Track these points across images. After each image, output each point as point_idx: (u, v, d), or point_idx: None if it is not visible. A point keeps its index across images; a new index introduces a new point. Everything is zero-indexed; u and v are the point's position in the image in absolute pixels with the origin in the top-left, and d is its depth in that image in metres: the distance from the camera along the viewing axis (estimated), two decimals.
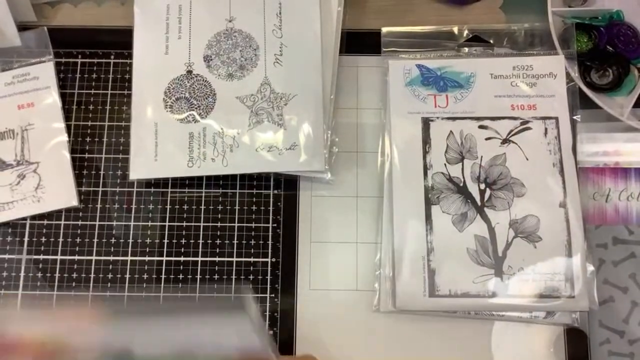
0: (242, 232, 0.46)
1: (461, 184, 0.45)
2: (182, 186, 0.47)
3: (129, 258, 0.46)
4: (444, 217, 0.44)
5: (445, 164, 0.45)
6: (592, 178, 0.47)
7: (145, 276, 0.46)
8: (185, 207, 0.47)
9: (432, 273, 0.43)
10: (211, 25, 0.48)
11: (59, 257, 0.46)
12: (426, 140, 0.45)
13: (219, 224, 0.46)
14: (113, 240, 0.46)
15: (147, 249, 0.46)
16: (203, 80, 0.47)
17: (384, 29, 0.49)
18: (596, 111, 0.47)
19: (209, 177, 0.47)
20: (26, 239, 0.46)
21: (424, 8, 0.51)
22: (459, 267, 0.43)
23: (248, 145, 0.46)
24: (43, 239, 0.46)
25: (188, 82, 0.47)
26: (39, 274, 0.46)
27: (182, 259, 0.46)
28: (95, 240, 0.46)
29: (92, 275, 0.46)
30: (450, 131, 0.45)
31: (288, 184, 0.47)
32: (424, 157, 0.45)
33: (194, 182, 0.47)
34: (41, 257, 0.46)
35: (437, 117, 0.46)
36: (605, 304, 0.45)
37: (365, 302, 0.45)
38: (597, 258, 0.46)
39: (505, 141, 0.45)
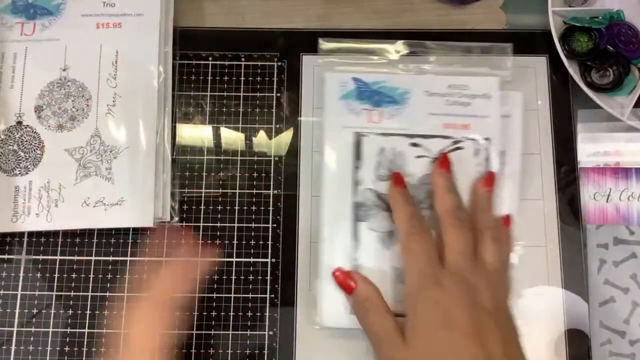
0: (242, 232, 0.46)
1: (389, 201, 0.44)
2: (181, 186, 0.47)
3: (129, 258, 0.46)
4: (371, 235, 0.43)
5: (375, 181, 0.44)
6: (592, 178, 0.47)
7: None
8: (185, 207, 0.47)
9: None
10: (45, 74, 0.47)
11: (58, 257, 0.46)
12: (357, 156, 0.45)
13: (218, 224, 0.46)
14: (113, 241, 0.46)
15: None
16: (32, 131, 0.46)
17: (323, 44, 0.48)
18: (596, 111, 0.47)
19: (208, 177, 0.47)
20: (25, 239, 0.46)
21: (424, 8, 0.51)
22: (383, 285, 0.42)
23: (74, 200, 0.45)
24: (42, 239, 0.46)
25: (17, 133, 0.46)
26: (39, 274, 0.46)
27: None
28: (95, 240, 0.46)
29: (91, 276, 0.46)
30: (382, 147, 0.45)
31: (288, 184, 0.47)
32: (354, 173, 0.44)
33: (194, 182, 0.47)
34: (41, 257, 0.46)
35: (370, 133, 0.45)
36: (606, 304, 0.45)
37: None
38: (598, 258, 0.46)
39: (435, 159, 0.45)
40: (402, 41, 0.48)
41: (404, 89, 0.46)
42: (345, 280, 0.41)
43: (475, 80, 0.46)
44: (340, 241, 0.43)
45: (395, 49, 0.48)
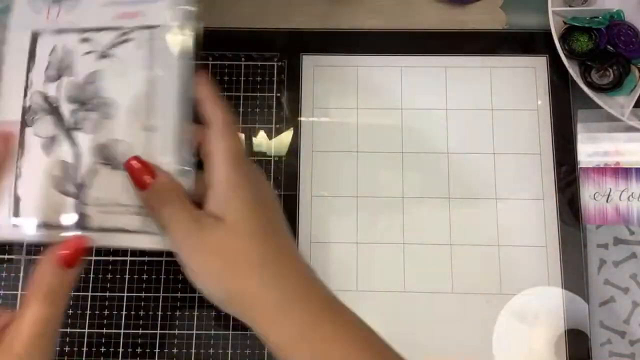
0: None
1: (55, 104, 0.41)
2: None
3: (129, 258, 0.46)
4: (35, 140, 0.40)
5: (44, 82, 0.41)
6: (592, 178, 0.47)
7: (144, 276, 0.46)
8: None
9: (17, 200, 0.39)
10: None
11: None
12: (32, 57, 0.41)
13: None
14: None
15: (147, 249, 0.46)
16: None
17: None
18: (596, 111, 0.47)
19: None
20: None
21: (424, 8, 0.51)
22: (44, 195, 0.39)
23: None
24: None
25: None
26: None
27: None
28: None
29: (91, 276, 0.46)
30: (55, 45, 0.41)
31: (288, 184, 0.47)
32: (27, 75, 0.41)
33: None
34: (41, 257, 0.46)
35: (45, 31, 0.41)
36: (606, 304, 0.45)
37: (366, 302, 0.45)
38: (598, 258, 0.46)
39: (104, 55, 0.41)
40: None
41: None
42: (141, 173, 0.36)
43: None
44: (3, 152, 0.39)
45: None
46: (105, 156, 0.39)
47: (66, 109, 0.40)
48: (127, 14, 0.41)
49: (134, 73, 0.40)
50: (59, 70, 0.41)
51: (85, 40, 0.41)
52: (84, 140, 0.39)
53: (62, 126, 0.40)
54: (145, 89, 0.40)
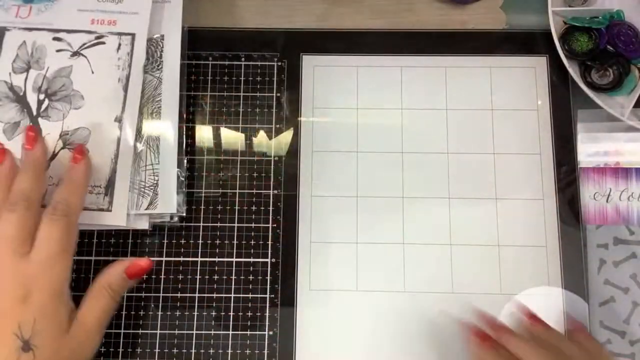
0: (242, 232, 0.46)
1: (21, 93, 0.45)
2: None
3: (129, 258, 0.46)
4: None
5: (10, 73, 0.45)
6: (592, 178, 0.47)
7: (144, 276, 0.45)
8: (185, 207, 0.47)
9: None
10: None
11: None
12: None
13: (218, 224, 0.46)
14: (112, 241, 0.46)
15: (147, 249, 0.46)
16: None
17: None
18: (596, 111, 0.47)
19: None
20: None
21: (424, 8, 0.51)
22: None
23: None
24: None
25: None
26: None
27: (181, 259, 0.46)
28: (95, 240, 0.46)
29: (91, 276, 0.46)
30: (24, 41, 0.46)
31: (288, 184, 0.47)
32: None
33: (193, 182, 0.47)
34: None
35: (14, 27, 0.46)
36: (606, 304, 0.45)
37: (366, 302, 0.45)
38: (598, 258, 0.46)
39: (76, 54, 0.46)
40: None
41: None
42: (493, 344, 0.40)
43: None
44: None
45: None
46: (67, 141, 0.44)
47: (32, 98, 0.45)
48: (102, 21, 0.46)
49: (104, 72, 0.45)
50: (27, 63, 0.45)
51: (57, 39, 0.46)
52: (49, 126, 0.44)
53: (29, 113, 0.45)
54: (114, 86, 0.45)
